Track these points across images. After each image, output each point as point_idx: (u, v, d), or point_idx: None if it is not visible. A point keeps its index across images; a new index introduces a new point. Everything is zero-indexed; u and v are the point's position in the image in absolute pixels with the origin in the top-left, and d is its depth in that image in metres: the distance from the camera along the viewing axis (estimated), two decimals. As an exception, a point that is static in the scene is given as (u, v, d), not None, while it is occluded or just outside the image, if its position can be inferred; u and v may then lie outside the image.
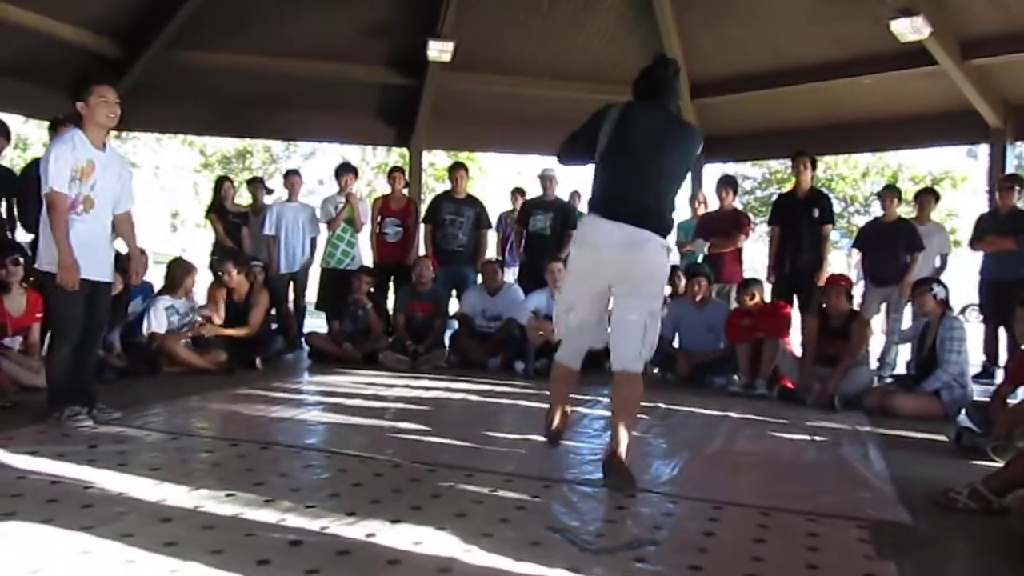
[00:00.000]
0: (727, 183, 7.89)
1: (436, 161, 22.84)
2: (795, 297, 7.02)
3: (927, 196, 7.77)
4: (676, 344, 6.90)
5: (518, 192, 9.75)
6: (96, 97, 4.13)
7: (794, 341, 6.66)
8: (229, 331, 6.52)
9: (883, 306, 7.17)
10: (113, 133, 6.71)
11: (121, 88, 8.96)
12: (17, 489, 3.06)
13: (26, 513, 2.77)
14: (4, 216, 6.18)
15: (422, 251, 8.02)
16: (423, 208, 8.22)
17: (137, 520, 2.75)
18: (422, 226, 8.04)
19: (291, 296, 7.93)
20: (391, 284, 7.99)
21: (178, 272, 6.41)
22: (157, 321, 6.19)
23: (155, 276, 6.76)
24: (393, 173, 8.28)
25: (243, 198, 9.14)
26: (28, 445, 3.73)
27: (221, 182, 8.44)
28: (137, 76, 9.02)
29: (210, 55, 9.21)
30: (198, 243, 19.33)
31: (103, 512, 2.82)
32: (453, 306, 7.82)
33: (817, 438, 4.63)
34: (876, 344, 6.94)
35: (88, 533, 2.59)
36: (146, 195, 30.08)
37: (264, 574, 2.34)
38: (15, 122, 8.37)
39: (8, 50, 7.82)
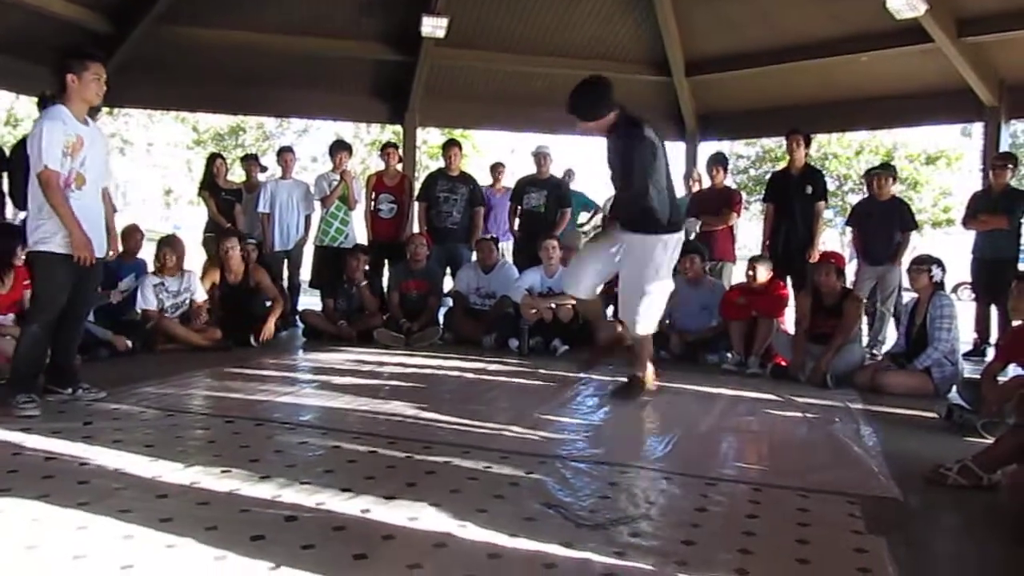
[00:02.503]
0: (718, 161, 7.89)
1: (429, 139, 22.77)
2: (788, 275, 7.02)
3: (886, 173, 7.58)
4: (669, 321, 6.91)
5: (499, 166, 9.71)
6: (91, 74, 4.06)
7: (788, 319, 6.69)
8: (271, 322, 6.54)
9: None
10: (105, 109, 6.69)
11: (112, 64, 8.96)
12: (13, 465, 3.07)
13: (22, 489, 2.78)
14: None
15: (416, 229, 8.00)
16: (417, 185, 8.19)
17: (133, 496, 2.76)
18: (416, 204, 8.01)
19: (285, 274, 7.91)
20: (386, 262, 7.97)
21: (164, 249, 6.35)
22: (144, 299, 6.16)
23: (149, 253, 6.74)
24: (386, 149, 8.23)
25: (236, 175, 9.08)
26: (23, 421, 3.74)
27: (213, 159, 8.38)
28: (128, 52, 8.96)
29: (203, 31, 9.14)
30: (192, 220, 19.24)
31: (99, 488, 2.84)
32: (447, 284, 7.82)
33: (809, 415, 4.65)
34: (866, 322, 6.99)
35: (84, 509, 2.61)
36: (139, 172, 29.97)
37: (259, 549, 2.35)
38: (5, 99, 8.30)
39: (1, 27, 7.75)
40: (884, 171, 7.29)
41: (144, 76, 9.34)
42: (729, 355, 6.27)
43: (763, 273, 6.27)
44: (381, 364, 5.83)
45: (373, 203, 7.88)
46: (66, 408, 4.08)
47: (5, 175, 6.61)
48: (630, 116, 4.68)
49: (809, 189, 7.03)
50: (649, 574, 2.31)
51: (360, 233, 8.04)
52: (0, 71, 8.22)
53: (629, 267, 4.78)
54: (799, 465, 3.56)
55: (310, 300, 8.11)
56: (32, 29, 7.89)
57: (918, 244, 9.89)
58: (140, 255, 6.79)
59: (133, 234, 6.74)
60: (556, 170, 8.45)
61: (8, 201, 6.64)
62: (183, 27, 9.00)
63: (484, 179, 8.79)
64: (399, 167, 8.31)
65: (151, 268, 6.45)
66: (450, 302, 7.59)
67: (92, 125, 4.24)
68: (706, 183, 8.14)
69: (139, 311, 6.19)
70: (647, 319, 4.82)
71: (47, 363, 4.33)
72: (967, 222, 7.26)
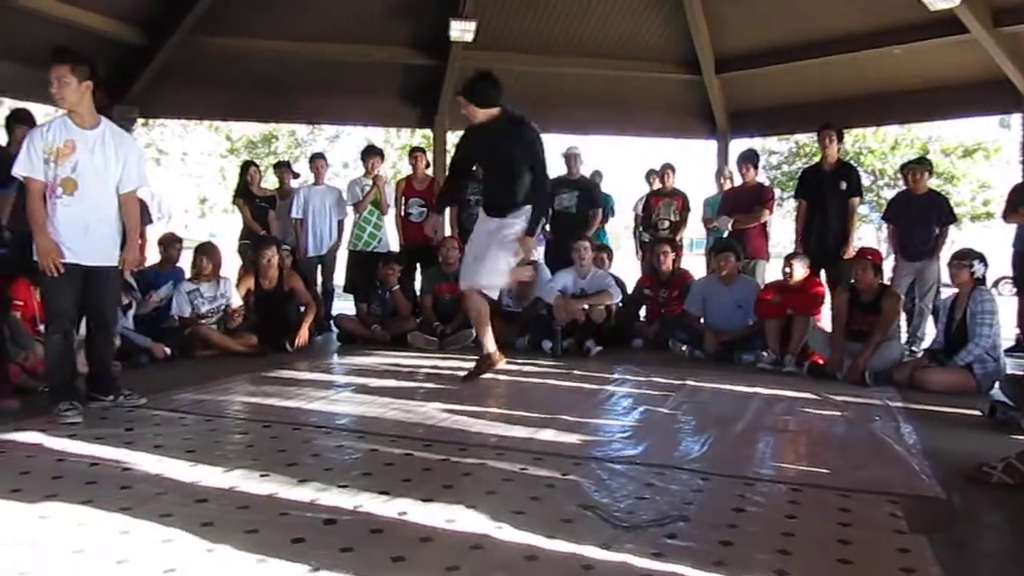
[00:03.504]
0: (748, 158, 7.81)
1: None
2: (823, 272, 6.94)
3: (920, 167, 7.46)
4: (703, 321, 6.87)
5: None
6: (51, 77, 4.01)
7: (824, 316, 6.61)
8: (306, 327, 6.61)
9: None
10: (140, 120, 6.80)
11: (146, 75, 9.10)
12: (57, 471, 3.13)
13: (67, 494, 2.83)
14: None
15: (448, 232, 8.02)
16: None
17: (174, 500, 2.80)
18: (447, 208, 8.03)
19: (319, 279, 7.98)
20: (418, 265, 8.00)
21: (201, 257, 6.44)
22: (177, 306, 6.25)
23: (186, 261, 6.84)
24: (414, 153, 8.29)
25: (269, 182, 9.21)
26: (66, 428, 3.81)
27: (247, 167, 8.49)
28: (162, 63, 9.10)
29: (234, 40, 9.25)
30: (227, 228, 19.49)
31: (141, 493, 2.88)
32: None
33: (848, 414, 4.60)
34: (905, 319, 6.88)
35: (127, 514, 2.65)
36: (174, 182, 30.41)
37: (299, 552, 2.38)
38: (43, 112, 8.45)
39: (37, 41, 7.87)
40: (919, 165, 7.18)
41: (178, 86, 9.49)
42: (765, 354, 6.21)
43: (799, 270, 6.21)
44: (415, 367, 5.86)
45: (403, 207, 7.92)
46: (108, 415, 4.14)
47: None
48: (518, 114, 5.19)
49: (843, 185, 6.94)
50: (688, 575, 2.30)
51: (392, 237, 8.09)
52: (37, 84, 8.30)
53: (484, 241, 5.16)
54: (838, 464, 3.52)
55: (344, 305, 8.17)
56: (67, 43, 8.00)
57: (956, 238, 9.73)
58: (179, 263, 6.89)
59: (171, 243, 6.84)
60: (583, 171, 8.43)
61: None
62: (215, 37, 9.11)
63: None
64: (428, 171, 8.35)
65: (188, 275, 6.54)
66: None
67: (100, 129, 4.15)
68: (737, 181, 8.08)
69: (175, 318, 6.27)
70: (491, 277, 5.13)
71: (87, 372, 4.41)
72: (1007, 215, 7.10)
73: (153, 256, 6.80)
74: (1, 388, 4.18)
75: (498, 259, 5.07)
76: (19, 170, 3.98)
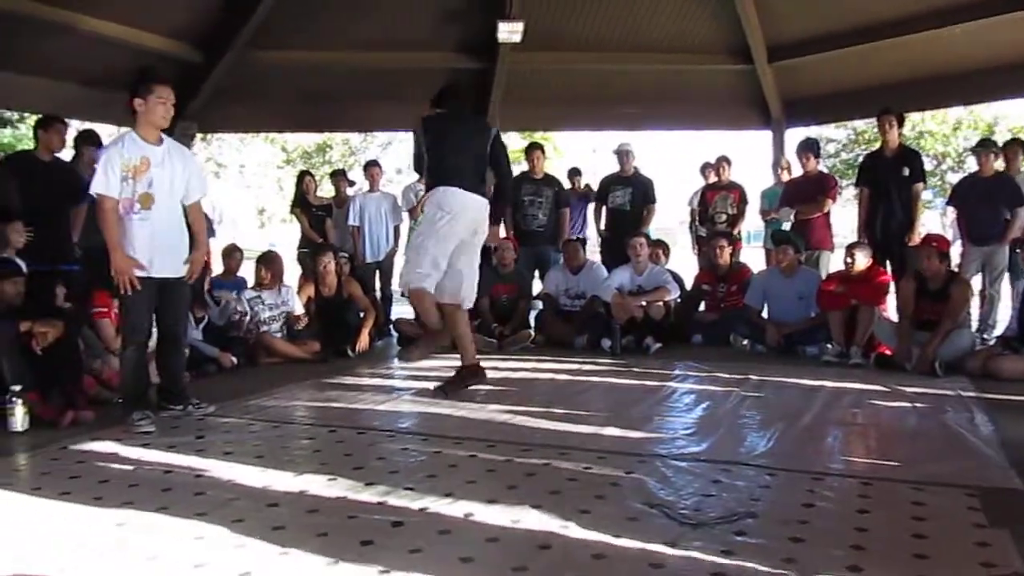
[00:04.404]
0: (808, 147, 7.66)
1: (509, 144, 22.87)
2: (888, 261, 6.78)
3: (1015, 147, 7.26)
4: (765, 314, 6.77)
5: (576, 172, 9.71)
6: (156, 97, 4.18)
7: (890, 306, 6.45)
8: (366, 332, 6.68)
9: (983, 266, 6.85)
10: (199, 135, 6.99)
11: (204, 91, 9.31)
12: (133, 479, 3.22)
13: (143, 502, 2.92)
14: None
15: (502, 233, 8.04)
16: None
17: (246, 506, 2.87)
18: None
19: (378, 284, 8.08)
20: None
21: (262, 266, 6.59)
22: (244, 307, 6.40)
23: (248, 271, 6.98)
24: None
25: (325, 191, 9.33)
26: (140, 438, 3.92)
27: (302, 177, 8.66)
28: (218, 79, 9.30)
29: (286, 53, 9.41)
30: (286, 238, 19.84)
31: (214, 499, 2.95)
32: (536, 287, 7.83)
33: (919, 405, 4.48)
34: (977, 305, 6.69)
35: (201, 519, 2.72)
36: (233, 194, 31.07)
37: (369, 555, 2.41)
38: (106, 132, 8.72)
39: (97, 62, 8.15)
40: (985, 147, 6.97)
41: (234, 101, 9.69)
42: (829, 346, 6.08)
43: (862, 260, 6.07)
44: (475, 369, 5.87)
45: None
46: (179, 423, 4.25)
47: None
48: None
49: (905, 170, 6.76)
50: (759, 573, 2.26)
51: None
52: (101, 105, 8.59)
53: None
54: (911, 457, 3.44)
55: (403, 309, 8.24)
56: (128, 64, 8.24)
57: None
58: (239, 273, 7.04)
59: (232, 253, 7.00)
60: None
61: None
62: (268, 51, 9.28)
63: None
64: None
65: (250, 284, 6.68)
66: (540, 305, 7.60)
67: (166, 145, 4.30)
68: (796, 171, 7.94)
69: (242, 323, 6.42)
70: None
71: (159, 382, 4.54)
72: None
73: (216, 267, 6.97)
74: (77, 400, 4.31)
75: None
76: (97, 188, 4.10)
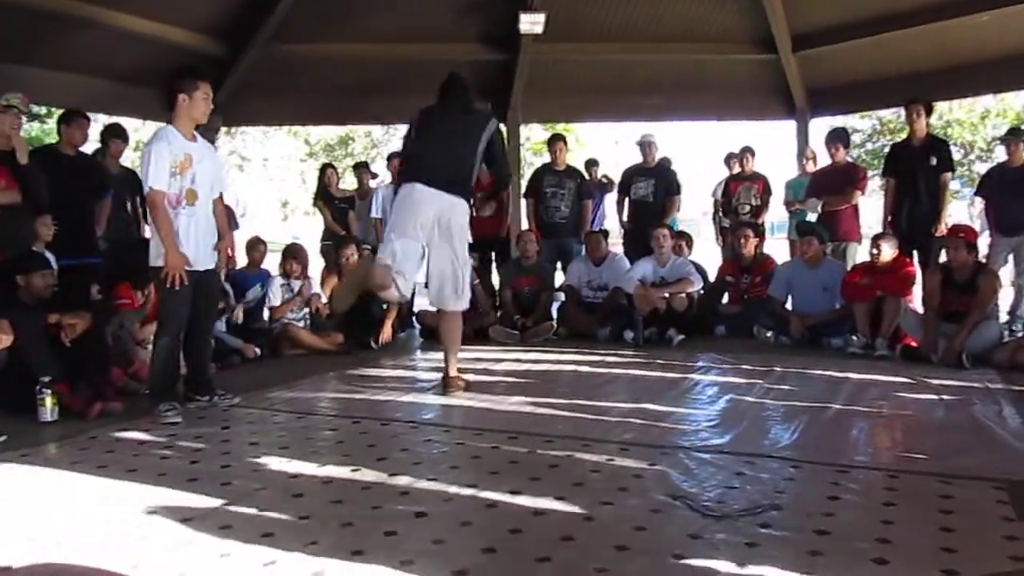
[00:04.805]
0: (838, 137, 7.56)
1: (531, 135, 22.81)
2: (914, 252, 6.70)
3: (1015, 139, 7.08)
4: (789, 306, 6.72)
5: (593, 163, 9.67)
6: (201, 93, 4.21)
7: (916, 298, 6.38)
8: (389, 324, 6.70)
9: (1011, 256, 6.75)
10: (223, 128, 7.05)
11: (228, 85, 9.37)
12: (161, 469, 3.26)
13: (169, 492, 2.95)
14: (130, 214, 6.51)
15: (524, 225, 8.04)
16: (523, 183, 8.24)
17: (272, 496, 2.90)
18: (523, 200, 8.06)
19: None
20: (492, 259, 8.04)
21: (288, 258, 6.66)
22: (273, 296, 6.50)
23: (271, 263, 7.03)
24: None
25: (348, 183, 9.39)
26: (168, 428, 3.97)
27: (324, 170, 8.71)
28: (242, 73, 9.35)
29: (309, 47, 9.46)
30: (309, 231, 19.96)
31: (240, 489, 2.98)
32: (559, 279, 7.83)
33: (946, 397, 4.44)
34: (1005, 297, 6.59)
35: (228, 509, 2.75)
36: (257, 187, 31.27)
37: (393, 545, 2.43)
38: (132, 125, 8.82)
39: (124, 57, 8.23)
40: (1014, 136, 6.85)
41: (257, 95, 9.75)
42: (855, 338, 6.02)
43: (888, 251, 6.01)
44: (497, 361, 5.89)
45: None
46: (205, 414, 4.30)
47: (139, 198, 7.00)
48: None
49: (933, 160, 6.67)
50: (784, 565, 2.25)
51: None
52: (128, 99, 8.69)
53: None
54: (938, 450, 3.40)
55: (426, 301, 8.26)
56: (154, 58, 8.33)
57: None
58: (263, 265, 7.09)
59: (256, 246, 7.05)
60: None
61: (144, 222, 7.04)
62: (291, 45, 9.33)
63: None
64: None
65: (276, 275, 6.74)
66: (562, 296, 7.60)
67: (200, 141, 4.36)
68: (822, 161, 7.86)
69: (267, 310, 6.47)
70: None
71: (185, 373, 4.58)
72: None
73: (240, 260, 7.02)
74: (105, 391, 4.37)
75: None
76: (152, 183, 4.09)
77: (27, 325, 4.06)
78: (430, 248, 4.63)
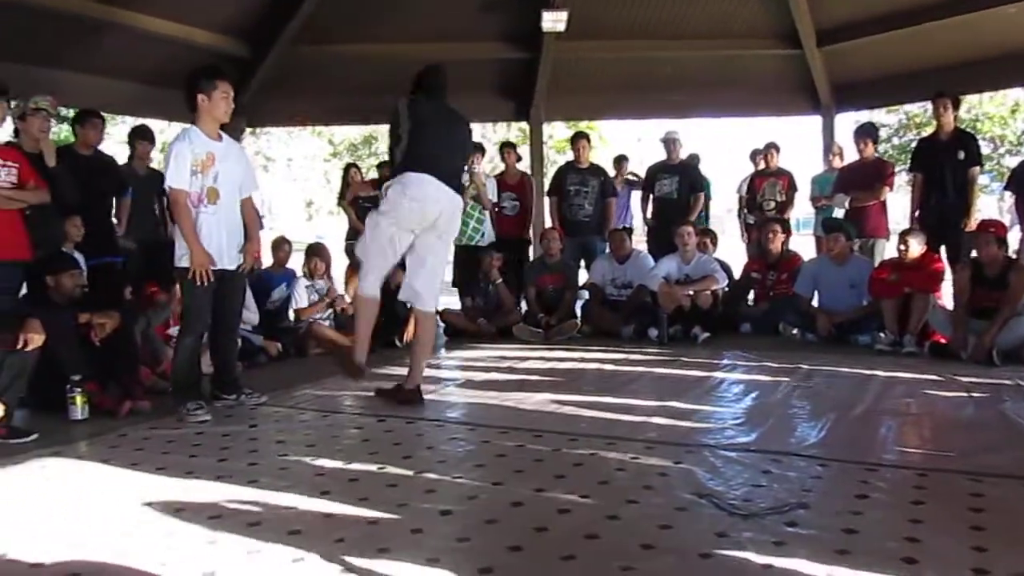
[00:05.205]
0: (866, 132, 7.50)
1: (554, 133, 22.80)
2: (942, 247, 6.61)
3: None
4: (815, 303, 6.67)
5: (622, 159, 9.64)
6: (220, 92, 4.23)
7: (944, 294, 6.31)
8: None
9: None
10: (248, 129, 7.11)
11: (252, 86, 9.44)
12: (189, 467, 3.30)
13: (199, 489, 2.99)
14: (158, 215, 6.58)
15: (548, 223, 8.04)
16: (546, 182, 8.25)
17: (299, 493, 2.91)
18: (547, 198, 8.06)
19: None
20: (517, 260, 8.05)
21: (313, 257, 6.71)
22: (297, 299, 6.53)
23: (296, 263, 7.08)
24: (505, 149, 8.38)
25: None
26: (196, 426, 4.01)
27: (348, 169, 8.75)
28: (266, 74, 9.43)
29: (332, 47, 9.50)
30: (333, 230, 20.06)
31: (268, 486, 3.01)
32: (583, 277, 7.82)
33: (975, 394, 4.38)
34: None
35: (255, 507, 2.78)
36: (281, 187, 31.50)
37: (418, 543, 2.44)
38: (158, 126, 8.92)
39: (150, 59, 8.32)
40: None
41: (281, 95, 9.82)
42: (882, 335, 5.96)
43: (915, 247, 5.95)
44: (522, 359, 5.89)
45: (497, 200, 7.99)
46: (232, 412, 4.33)
47: (165, 199, 7.08)
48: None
49: (961, 154, 6.58)
50: (811, 564, 2.24)
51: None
52: (154, 101, 8.78)
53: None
54: (967, 447, 3.36)
55: (450, 300, 8.29)
56: (178, 60, 8.41)
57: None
58: (288, 265, 7.14)
59: (281, 246, 7.09)
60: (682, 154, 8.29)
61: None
62: (314, 46, 9.38)
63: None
64: (519, 166, 8.39)
65: (300, 274, 6.79)
66: (586, 295, 7.58)
67: (225, 140, 4.38)
68: (849, 157, 7.79)
69: (292, 311, 6.51)
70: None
71: (212, 372, 4.63)
72: None
73: (266, 259, 7.08)
74: (134, 390, 4.42)
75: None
76: (171, 182, 4.13)
77: (58, 325, 4.11)
78: (420, 244, 4.45)
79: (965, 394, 4.42)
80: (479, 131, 24.72)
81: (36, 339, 3.74)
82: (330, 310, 6.68)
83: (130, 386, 4.42)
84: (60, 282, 4.50)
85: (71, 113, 6.84)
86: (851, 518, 2.56)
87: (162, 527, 2.62)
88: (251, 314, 6.21)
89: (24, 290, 4.63)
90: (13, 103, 4.91)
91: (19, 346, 3.72)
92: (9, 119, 4.93)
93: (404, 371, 4.67)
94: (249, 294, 6.22)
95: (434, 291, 4.58)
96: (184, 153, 4.15)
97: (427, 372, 5.50)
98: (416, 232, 4.41)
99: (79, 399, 4.11)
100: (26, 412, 4.13)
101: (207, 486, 3.02)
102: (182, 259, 4.19)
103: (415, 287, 4.51)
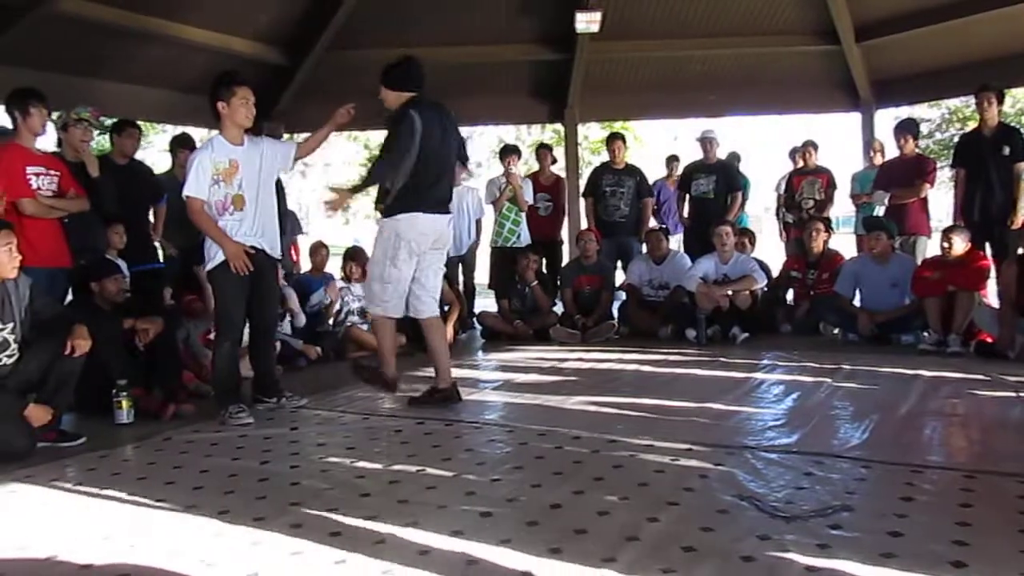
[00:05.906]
0: (906, 128, 7.37)
1: (589, 134, 22.74)
2: (987, 244, 6.48)
3: None
4: (857, 302, 6.57)
5: (673, 159, 9.59)
6: (239, 98, 4.27)
7: (990, 292, 6.18)
8: (450, 325, 6.71)
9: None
10: (285, 135, 7.19)
11: (289, 92, 9.54)
12: (232, 470, 3.35)
13: (242, 491, 3.03)
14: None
15: (584, 225, 8.02)
16: (582, 183, 8.25)
17: (339, 495, 2.95)
18: (582, 200, 8.05)
19: (460, 278, 8.15)
20: (550, 260, 8.05)
21: (349, 261, 6.78)
22: (345, 304, 6.61)
23: (334, 267, 7.15)
24: (540, 150, 8.40)
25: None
26: (238, 429, 4.07)
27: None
28: (303, 80, 9.54)
29: (367, 52, 9.53)
30: (370, 234, 20.25)
31: (309, 489, 3.04)
32: (619, 278, 7.79)
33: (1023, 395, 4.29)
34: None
35: (297, 508, 2.81)
36: (319, 192, 31.80)
37: (459, 544, 2.44)
38: (199, 135, 9.05)
39: (189, 68, 8.45)
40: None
41: (318, 101, 9.89)
42: (926, 334, 5.86)
43: (959, 244, 5.83)
44: (559, 361, 5.89)
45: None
46: (273, 415, 4.39)
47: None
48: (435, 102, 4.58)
49: (1006, 149, 6.44)
50: (856, 567, 2.20)
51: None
52: (194, 109, 8.89)
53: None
54: (1016, 449, 3.31)
55: (486, 302, 8.31)
56: (218, 69, 8.50)
57: None
58: (326, 270, 7.21)
59: (319, 250, 7.16)
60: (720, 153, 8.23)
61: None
62: (349, 51, 9.46)
63: (658, 170, 8.73)
64: (554, 168, 8.39)
65: (338, 278, 6.86)
66: (623, 296, 7.56)
67: (248, 144, 4.38)
68: (889, 153, 7.66)
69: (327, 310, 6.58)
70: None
71: (253, 376, 4.69)
72: None
73: (304, 264, 7.16)
74: (178, 394, 4.50)
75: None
76: (188, 191, 4.20)
77: (104, 330, 4.18)
78: (422, 260, 4.48)
79: (1013, 394, 4.33)
80: (514, 133, 24.88)
81: (83, 345, 3.81)
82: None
83: (174, 390, 4.50)
84: (105, 287, 4.59)
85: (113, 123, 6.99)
86: (896, 521, 2.52)
87: (206, 528, 2.66)
88: (298, 316, 6.30)
89: (70, 296, 4.73)
90: (55, 114, 5.01)
91: (67, 352, 3.79)
92: (52, 129, 5.03)
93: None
94: (294, 297, 6.32)
95: (435, 297, 4.69)
96: (204, 163, 4.21)
97: (465, 374, 5.56)
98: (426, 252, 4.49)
99: (125, 403, 4.19)
100: (73, 416, 4.23)
101: (251, 487, 3.07)
102: (211, 262, 4.26)
103: (418, 307, 4.59)
